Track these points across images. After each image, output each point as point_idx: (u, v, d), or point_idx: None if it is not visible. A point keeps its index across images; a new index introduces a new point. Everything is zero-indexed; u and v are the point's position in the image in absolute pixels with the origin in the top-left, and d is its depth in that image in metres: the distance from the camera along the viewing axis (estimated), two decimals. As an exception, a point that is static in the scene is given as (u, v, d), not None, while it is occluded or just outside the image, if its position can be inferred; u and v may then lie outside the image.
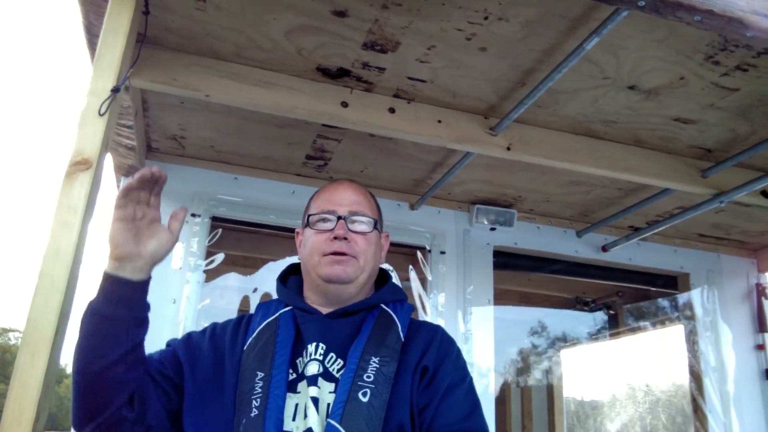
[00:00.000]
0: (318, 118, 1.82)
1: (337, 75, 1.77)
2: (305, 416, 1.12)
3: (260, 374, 1.19)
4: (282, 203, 2.45)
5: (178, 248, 2.27)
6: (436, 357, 1.23)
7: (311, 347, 1.21)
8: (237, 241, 2.78)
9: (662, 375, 3.83)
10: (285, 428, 1.11)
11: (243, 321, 1.36)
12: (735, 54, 1.57)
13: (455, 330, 2.51)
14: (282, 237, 2.72)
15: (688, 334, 2.99)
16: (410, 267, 2.66)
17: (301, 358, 1.21)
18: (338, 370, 1.18)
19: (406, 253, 2.69)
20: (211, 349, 1.29)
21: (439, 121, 1.90)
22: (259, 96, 1.73)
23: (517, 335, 4.67)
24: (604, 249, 2.83)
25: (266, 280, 2.90)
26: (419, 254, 2.62)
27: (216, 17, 1.53)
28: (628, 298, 3.71)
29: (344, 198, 1.37)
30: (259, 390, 1.17)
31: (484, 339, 2.57)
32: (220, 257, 2.49)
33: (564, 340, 4.54)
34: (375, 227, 1.37)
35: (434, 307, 2.52)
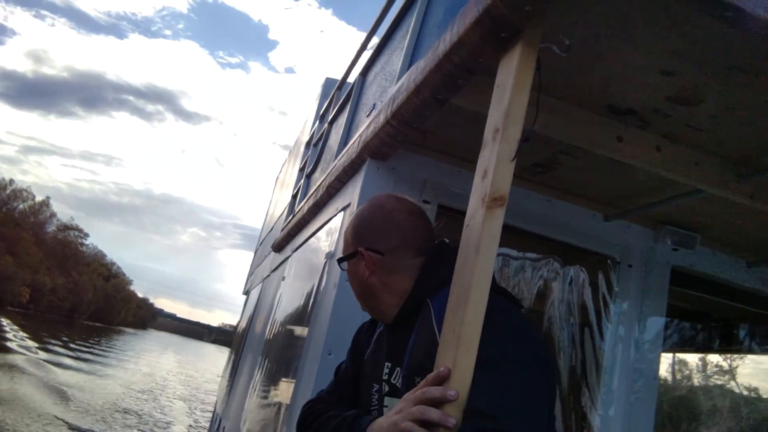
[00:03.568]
0: (594, 148, 2.02)
1: (623, 113, 1.94)
2: None
3: (375, 386, 1.42)
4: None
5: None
6: None
7: (385, 366, 1.42)
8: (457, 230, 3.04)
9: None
10: None
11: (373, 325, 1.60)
12: None
13: (630, 339, 2.73)
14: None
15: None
16: (599, 274, 2.86)
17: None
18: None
19: (595, 261, 2.89)
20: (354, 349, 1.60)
21: (696, 164, 2.06)
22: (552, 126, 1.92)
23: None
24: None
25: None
26: (609, 263, 2.82)
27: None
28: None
29: None
30: (376, 402, 1.40)
31: (653, 350, 2.79)
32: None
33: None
34: (348, 258, 1.48)
35: (616, 315, 2.75)
